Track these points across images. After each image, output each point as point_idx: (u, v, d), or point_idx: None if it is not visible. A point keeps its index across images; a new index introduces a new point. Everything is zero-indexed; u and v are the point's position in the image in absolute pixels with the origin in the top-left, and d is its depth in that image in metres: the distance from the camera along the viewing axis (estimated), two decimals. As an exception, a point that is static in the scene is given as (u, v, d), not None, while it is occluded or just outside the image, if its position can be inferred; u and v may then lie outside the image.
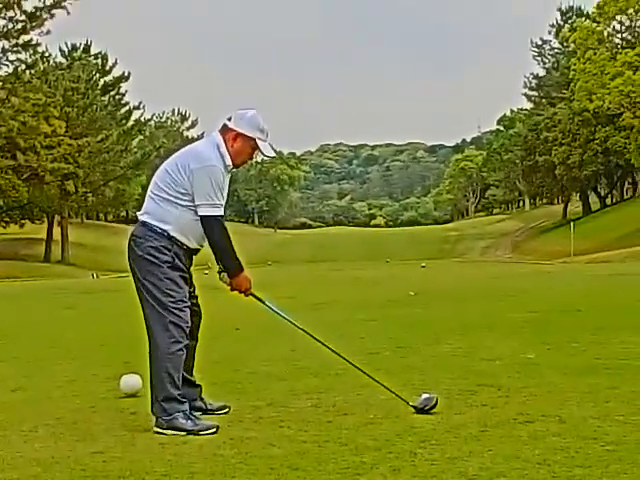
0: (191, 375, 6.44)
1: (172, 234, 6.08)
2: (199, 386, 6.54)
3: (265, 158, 6.71)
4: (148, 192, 6.26)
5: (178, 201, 6.06)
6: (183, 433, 5.78)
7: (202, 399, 6.51)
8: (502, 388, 6.89)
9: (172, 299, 6.04)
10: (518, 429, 5.48)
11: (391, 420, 5.89)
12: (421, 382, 7.31)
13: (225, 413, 6.42)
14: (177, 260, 6.11)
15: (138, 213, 6.28)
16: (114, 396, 7.34)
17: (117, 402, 7.08)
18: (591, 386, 6.85)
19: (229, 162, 6.16)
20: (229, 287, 6.29)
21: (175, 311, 6.03)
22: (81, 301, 21.62)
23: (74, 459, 5.17)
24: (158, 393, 5.98)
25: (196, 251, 6.28)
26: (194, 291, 6.42)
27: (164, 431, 5.84)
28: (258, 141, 6.21)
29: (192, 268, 6.38)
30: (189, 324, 6.12)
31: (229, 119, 6.25)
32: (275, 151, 6.49)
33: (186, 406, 6.02)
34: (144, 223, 6.16)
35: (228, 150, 6.16)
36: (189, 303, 6.16)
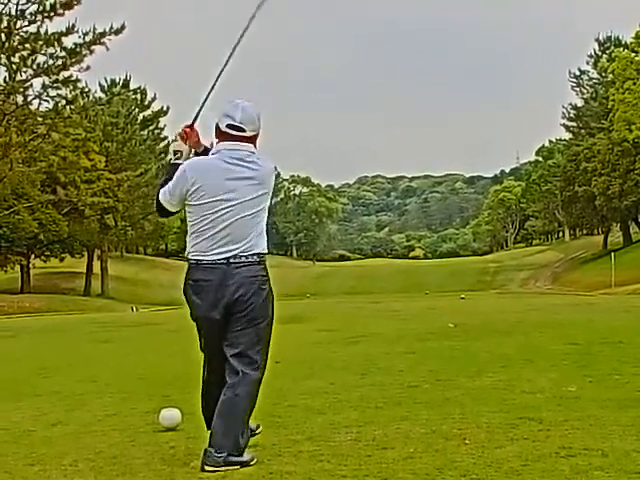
0: None
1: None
2: None
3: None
4: None
5: None
6: (237, 466, 5.69)
7: None
8: (543, 421, 6.82)
9: None
10: (560, 463, 5.41)
11: (431, 454, 5.84)
12: (461, 415, 7.24)
13: (258, 433, 6.41)
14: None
15: None
16: (153, 430, 7.34)
17: (156, 436, 7.08)
18: (634, 419, 6.75)
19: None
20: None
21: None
22: (121, 334, 21.69)
23: (114, 494, 5.18)
24: None
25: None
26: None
27: (218, 469, 5.66)
28: None
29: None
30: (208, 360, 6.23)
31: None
32: None
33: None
34: None
35: None
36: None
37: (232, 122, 6.01)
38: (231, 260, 5.88)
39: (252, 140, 6.09)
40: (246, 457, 5.79)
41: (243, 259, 5.89)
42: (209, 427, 6.20)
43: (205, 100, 6.28)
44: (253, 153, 6.02)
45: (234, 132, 6.00)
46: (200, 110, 6.33)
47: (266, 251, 6.05)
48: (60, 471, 5.90)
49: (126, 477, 5.62)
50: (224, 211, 5.88)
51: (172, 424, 7.30)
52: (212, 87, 6.22)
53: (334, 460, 5.78)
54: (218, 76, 6.20)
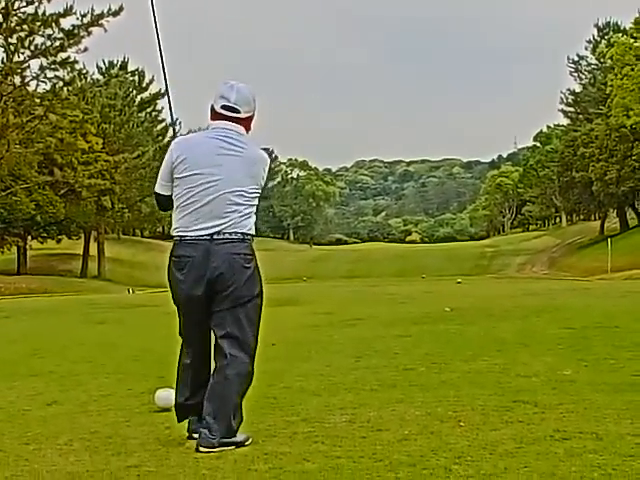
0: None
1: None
2: None
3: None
4: None
5: None
6: (232, 447, 5.70)
7: None
8: (538, 405, 6.83)
9: None
10: (554, 446, 5.42)
11: (426, 436, 5.85)
12: (456, 398, 7.25)
13: None
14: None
15: None
16: (148, 410, 7.36)
17: (151, 416, 7.10)
18: (628, 403, 6.77)
19: None
20: None
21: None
22: (117, 316, 21.68)
23: (109, 473, 5.18)
24: None
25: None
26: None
27: (212, 450, 5.65)
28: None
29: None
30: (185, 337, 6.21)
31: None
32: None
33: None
34: None
35: None
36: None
37: (227, 103, 6.00)
38: (214, 237, 5.82)
39: (247, 121, 6.08)
40: (241, 438, 5.79)
41: (226, 236, 5.82)
42: (180, 419, 6.20)
43: (171, 111, 6.83)
44: (243, 135, 6.02)
45: (229, 113, 5.99)
46: (173, 123, 7.06)
47: (252, 232, 5.98)
48: (55, 450, 5.90)
49: (121, 457, 5.62)
50: (208, 185, 5.84)
51: (167, 405, 7.29)
52: (168, 96, 6.44)
53: (329, 441, 5.79)
54: (165, 80, 6.60)
